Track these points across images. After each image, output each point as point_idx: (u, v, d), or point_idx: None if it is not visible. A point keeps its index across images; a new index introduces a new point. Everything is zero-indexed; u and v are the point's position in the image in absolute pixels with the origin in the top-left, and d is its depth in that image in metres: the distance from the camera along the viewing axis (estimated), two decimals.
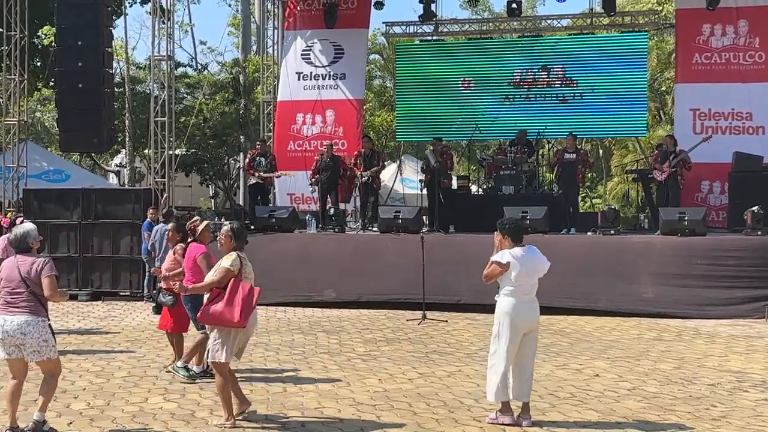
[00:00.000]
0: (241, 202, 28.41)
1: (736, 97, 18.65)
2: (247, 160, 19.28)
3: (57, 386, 7.51)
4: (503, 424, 7.67)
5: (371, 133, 24.83)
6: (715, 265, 14.65)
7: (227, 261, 7.74)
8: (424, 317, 14.04)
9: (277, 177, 18.90)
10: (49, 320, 7.31)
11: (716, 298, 14.48)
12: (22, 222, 10.77)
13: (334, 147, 19.00)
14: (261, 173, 18.25)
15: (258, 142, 19.77)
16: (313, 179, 18.29)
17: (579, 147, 17.98)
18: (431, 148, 18.18)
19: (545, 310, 13.90)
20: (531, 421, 7.73)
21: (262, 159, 18.42)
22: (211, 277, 7.84)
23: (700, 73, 19.05)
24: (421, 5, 21.20)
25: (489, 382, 7.84)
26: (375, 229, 17.17)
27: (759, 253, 14.64)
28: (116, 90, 23.74)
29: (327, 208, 17.85)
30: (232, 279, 7.64)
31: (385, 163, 18.91)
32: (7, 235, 10.52)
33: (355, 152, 18.63)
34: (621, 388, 9.34)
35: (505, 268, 7.69)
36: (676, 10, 20.56)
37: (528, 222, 15.26)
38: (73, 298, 16.72)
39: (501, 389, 7.71)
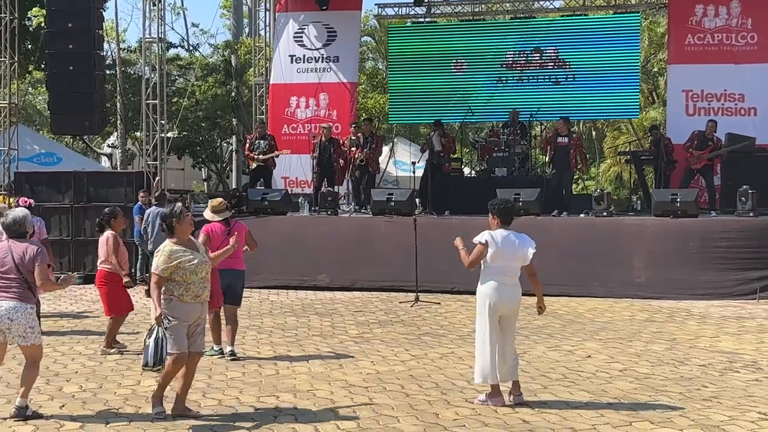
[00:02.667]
0: (234, 185, 28.40)
1: (729, 78, 18.67)
2: (246, 145, 19.10)
3: (38, 372, 7.48)
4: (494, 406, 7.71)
5: (364, 115, 24.77)
6: (707, 247, 14.68)
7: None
8: (417, 299, 14.06)
9: (276, 156, 18.76)
10: (37, 307, 7.31)
11: (708, 280, 14.51)
12: (25, 205, 10.79)
13: (332, 129, 18.94)
14: (260, 156, 18.16)
15: (257, 125, 19.66)
16: (315, 161, 18.18)
17: (572, 130, 18.00)
18: (436, 131, 18.10)
19: None
20: (522, 398, 7.78)
21: (261, 141, 18.34)
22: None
23: (692, 54, 19.06)
24: None
25: (475, 364, 7.93)
26: (365, 211, 17.21)
27: (750, 235, 14.69)
28: (107, 72, 23.66)
29: (321, 190, 17.82)
30: None
31: (382, 148, 18.81)
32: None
33: (351, 135, 18.55)
34: (613, 369, 9.37)
35: (485, 246, 7.75)
36: None
37: (521, 204, 15.25)
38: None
39: (486, 372, 7.75)
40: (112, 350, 10.16)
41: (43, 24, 21.82)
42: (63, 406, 7.75)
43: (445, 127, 19.22)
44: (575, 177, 23.43)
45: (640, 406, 7.82)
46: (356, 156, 17.79)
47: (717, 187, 17.54)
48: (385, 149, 26.46)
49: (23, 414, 7.13)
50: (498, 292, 7.77)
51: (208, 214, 9.78)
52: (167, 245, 7.39)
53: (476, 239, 7.85)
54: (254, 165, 18.41)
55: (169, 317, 7.26)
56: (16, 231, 7.34)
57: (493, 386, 7.79)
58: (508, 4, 21.86)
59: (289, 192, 18.43)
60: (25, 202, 11.52)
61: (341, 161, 18.12)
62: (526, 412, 7.57)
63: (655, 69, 29.98)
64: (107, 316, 10.40)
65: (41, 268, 7.16)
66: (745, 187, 15.32)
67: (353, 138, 18.06)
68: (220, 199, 10.07)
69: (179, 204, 7.66)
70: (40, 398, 7.86)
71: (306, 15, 21.36)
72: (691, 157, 16.99)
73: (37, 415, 7.25)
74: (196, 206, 18.50)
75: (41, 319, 11.51)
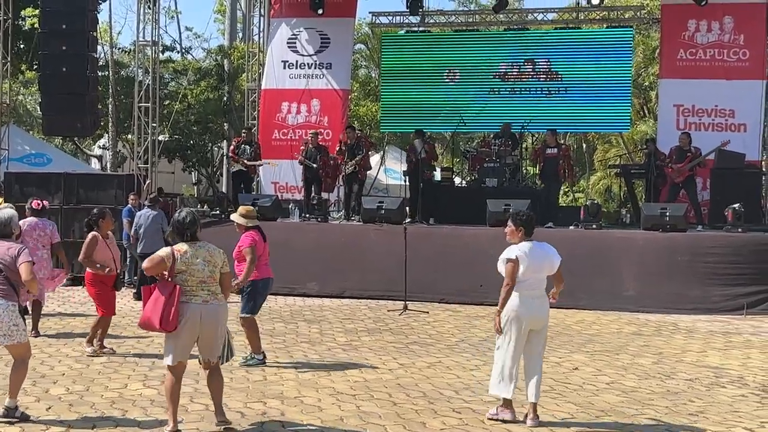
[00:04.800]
0: (224, 190, 28.36)
1: (720, 93, 18.73)
2: (231, 147, 19.23)
3: (27, 372, 7.48)
4: (504, 420, 7.56)
5: (355, 123, 24.79)
6: (695, 262, 14.74)
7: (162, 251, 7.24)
8: (406, 308, 14.06)
9: (260, 165, 18.83)
10: (20, 305, 7.28)
11: (696, 295, 14.56)
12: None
13: (319, 136, 18.96)
14: (245, 161, 18.26)
15: (243, 130, 19.75)
16: (303, 168, 18.27)
17: (560, 142, 18.07)
18: (418, 138, 18.15)
19: None
20: (538, 422, 7.55)
21: (247, 147, 18.43)
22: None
23: (684, 69, 19.13)
24: None
25: (492, 375, 7.74)
26: (356, 219, 17.21)
27: (739, 250, 14.74)
28: (100, 74, 23.62)
29: (311, 197, 17.85)
30: (162, 276, 7.13)
31: (370, 152, 18.76)
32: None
33: (339, 142, 18.59)
34: (600, 381, 9.40)
35: (516, 263, 7.52)
36: (661, 5, 20.65)
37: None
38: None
39: (501, 384, 7.58)
40: (89, 348, 10.17)
41: (36, 25, 21.76)
42: (50, 408, 7.72)
43: (428, 135, 19.20)
44: (565, 189, 23.50)
45: (627, 419, 7.84)
46: (345, 163, 17.79)
47: (705, 202, 17.61)
48: (376, 157, 26.48)
49: (12, 414, 7.12)
50: (525, 306, 7.53)
51: (240, 219, 9.72)
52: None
53: (505, 256, 7.58)
54: (236, 168, 18.48)
55: None
56: (2, 231, 7.33)
57: (506, 400, 7.61)
58: (501, 16, 21.85)
59: (279, 198, 18.43)
60: (38, 204, 11.58)
61: (329, 168, 18.16)
62: (512, 423, 7.56)
63: (647, 83, 30.09)
64: (101, 316, 10.35)
65: (26, 265, 7.14)
66: (733, 203, 15.38)
67: (349, 143, 18.06)
68: (251, 207, 10.08)
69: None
70: (26, 400, 7.82)
71: (300, 21, 21.38)
72: (672, 172, 17.04)
73: (24, 417, 7.23)
74: None
75: (41, 319, 11.59)
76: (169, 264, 7.02)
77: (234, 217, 9.73)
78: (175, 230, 7.23)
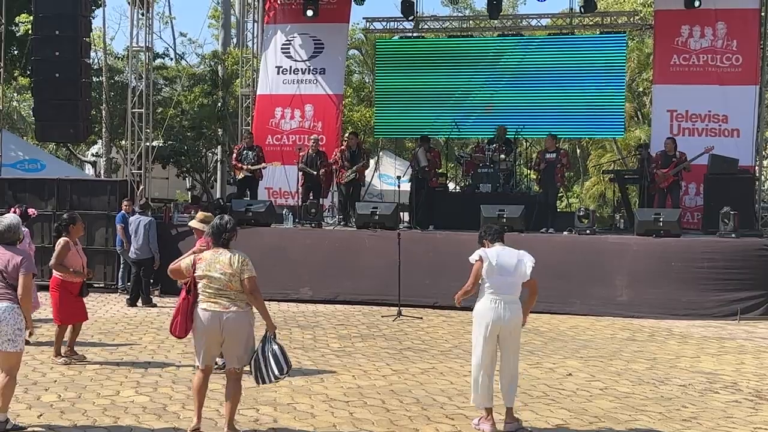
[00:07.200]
0: (218, 195, 28.34)
1: (713, 99, 18.72)
2: (233, 155, 19.09)
3: (16, 383, 7.40)
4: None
5: (349, 128, 24.78)
6: (689, 267, 14.75)
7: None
8: (399, 314, 14.05)
9: (263, 168, 18.70)
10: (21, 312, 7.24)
11: (689, 300, 14.57)
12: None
13: (320, 142, 18.90)
14: (249, 167, 18.17)
15: (245, 136, 19.67)
16: (301, 174, 18.26)
17: (559, 147, 18.10)
18: (422, 146, 18.07)
19: None
20: (518, 425, 7.54)
21: (249, 152, 18.36)
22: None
23: (677, 75, 19.12)
24: (401, 1, 21.18)
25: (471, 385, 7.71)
26: (349, 224, 17.20)
27: (732, 256, 14.75)
28: (94, 80, 23.57)
29: (307, 203, 17.81)
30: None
31: (371, 160, 18.72)
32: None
33: (341, 148, 18.50)
34: (593, 387, 9.39)
35: (480, 262, 7.59)
36: (654, 11, 20.67)
37: (504, 220, 15.27)
38: (46, 288, 16.55)
39: (478, 393, 7.55)
40: (60, 359, 10.08)
41: (30, 30, 21.69)
42: (41, 415, 7.69)
43: (431, 141, 19.20)
44: (559, 194, 23.51)
45: (620, 425, 7.84)
46: (346, 173, 17.70)
47: (699, 207, 17.56)
48: (371, 162, 26.45)
49: (2, 428, 7.06)
50: (494, 310, 7.50)
51: (198, 224, 9.46)
52: (242, 252, 7.27)
53: (471, 258, 7.68)
54: (242, 175, 18.39)
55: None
56: (10, 238, 7.31)
57: (486, 409, 7.56)
58: (495, 22, 21.87)
59: (273, 203, 18.38)
60: (14, 210, 11.51)
61: (325, 174, 18.10)
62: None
63: (641, 88, 30.15)
64: (55, 324, 10.31)
65: (25, 278, 7.11)
66: (727, 208, 15.39)
67: (350, 149, 17.98)
68: (209, 213, 10.01)
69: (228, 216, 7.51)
70: (17, 407, 7.79)
71: (293, 27, 21.38)
72: (657, 177, 17.06)
73: (18, 428, 7.18)
74: (180, 216, 18.40)
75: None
76: (188, 274, 7.23)
77: (192, 223, 9.62)
78: (213, 233, 7.29)
